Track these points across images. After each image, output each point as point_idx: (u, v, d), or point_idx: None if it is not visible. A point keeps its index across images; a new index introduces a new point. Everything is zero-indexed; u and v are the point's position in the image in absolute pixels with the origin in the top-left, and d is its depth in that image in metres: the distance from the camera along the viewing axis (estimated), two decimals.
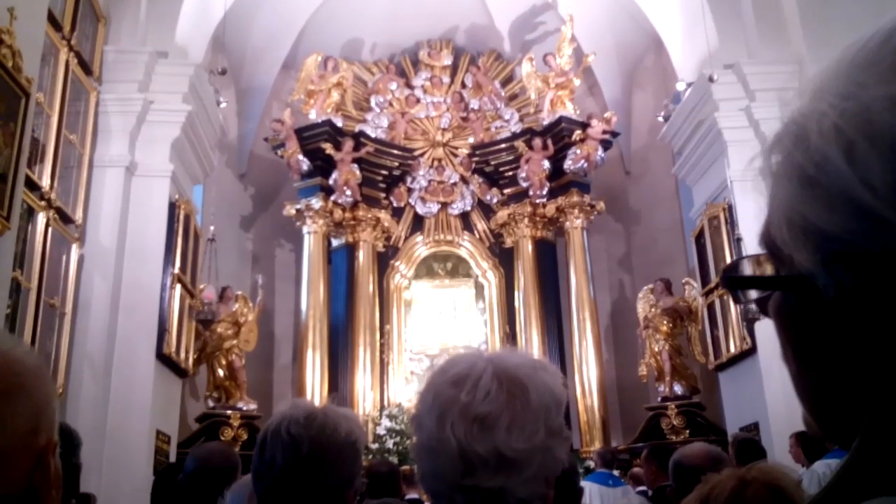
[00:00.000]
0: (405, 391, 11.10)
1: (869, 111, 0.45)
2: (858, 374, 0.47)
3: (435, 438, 1.01)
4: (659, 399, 10.17)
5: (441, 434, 1.01)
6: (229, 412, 9.56)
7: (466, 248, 12.07)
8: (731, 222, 8.96)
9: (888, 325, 0.45)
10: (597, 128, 11.21)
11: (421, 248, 12.05)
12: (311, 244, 11.15)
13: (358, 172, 11.27)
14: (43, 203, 6.56)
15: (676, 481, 2.38)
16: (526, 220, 11.53)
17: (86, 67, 7.64)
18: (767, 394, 8.13)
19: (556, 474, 1.05)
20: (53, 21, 6.66)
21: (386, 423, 10.36)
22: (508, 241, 11.79)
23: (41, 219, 6.52)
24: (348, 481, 1.52)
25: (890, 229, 0.43)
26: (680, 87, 10.12)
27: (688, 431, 9.58)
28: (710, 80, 8.95)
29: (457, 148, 12.31)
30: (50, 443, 0.89)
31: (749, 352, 8.59)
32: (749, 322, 8.25)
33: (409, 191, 12.03)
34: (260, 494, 1.49)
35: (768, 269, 0.52)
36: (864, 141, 0.45)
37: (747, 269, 0.56)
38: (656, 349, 10.23)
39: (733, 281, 0.55)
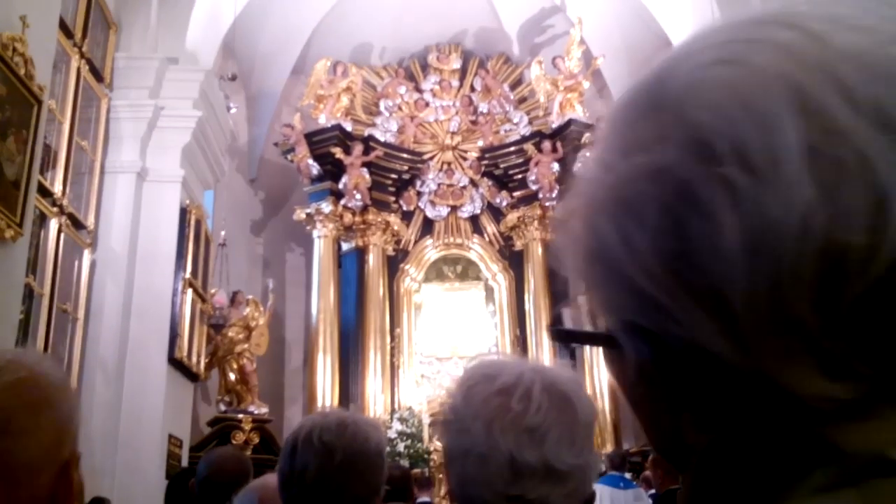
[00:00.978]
0: (416, 394, 11.10)
1: (632, 185, 0.42)
2: (674, 429, 0.46)
3: (484, 445, 1.01)
4: None
5: (490, 440, 1.01)
6: (241, 416, 9.58)
7: (476, 251, 12.07)
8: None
9: (684, 393, 0.44)
10: None
11: (431, 251, 12.06)
12: (321, 248, 11.19)
13: (368, 176, 11.30)
14: (55, 209, 6.60)
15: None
16: (536, 222, 11.52)
17: (97, 74, 7.69)
18: None
19: (590, 492, 1.06)
20: (65, 28, 6.71)
21: (397, 426, 10.36)
22: (518, 244, 11.78)
23: (53, 225, 6.56)
24: (375, 490, 1.53)
25: (663, 312, 0.41)
26: None
27: None
28: None
29: (466, 151, 12.32)
30: (73, 455, 0.90)
31: None
32: None
33: (419, 194, 12.05)
34: (287, 500, 1.49)
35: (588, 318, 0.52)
36: (631, 221, 0.42)
37: (568, 320, 0.56)
38: None
39: (556, 334, 0.55)
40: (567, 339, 0.56)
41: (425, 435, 10.25)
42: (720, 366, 0.41)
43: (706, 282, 0.40)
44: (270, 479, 1.84)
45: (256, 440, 9.35)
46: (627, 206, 0.43)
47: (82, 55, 7.21)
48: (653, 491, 6.72)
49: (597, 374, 10.62)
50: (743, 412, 0.42)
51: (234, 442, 9.19)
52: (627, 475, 9.11)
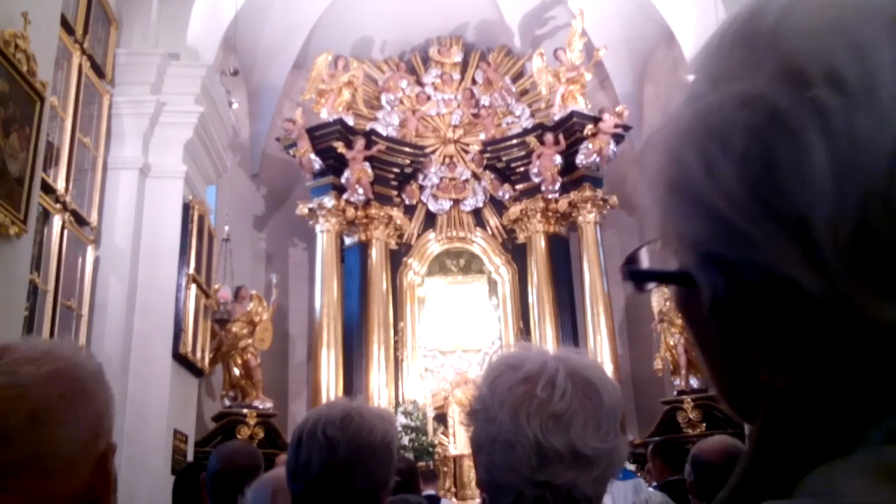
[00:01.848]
0: (419, 388, 11.11)
1: (720, 113, 0.43)
2: (746, 371, 0.46)
3: (511, 432, 1.03)
4: (675, 393, 10.13)
5: (517, 427, 1.02)
6: (245, 411, 9.61)
7: (479, 244, 12.07)
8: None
9: (760, 331, 0.44)
10: (609, 122, 11.17)
11: (433, 245, 12.06)
12: (324, 243, 11.19)
13: (370, 171, 11.29)
14: (58, 206, 6.60)
15: (695, 474, 2.38)
16: (538, 215, 11.51)
17: (98, 71, 7.68)
18: None
19: (617, 475, 1.07)
20: (66, 25, 6.69)
21: (401, 419, 10.38)
22: (521, 237, 11.78)
23: (57, 221, 6.57)
24: (383, 483, 1.52)
25: (745, 239, 0.41)
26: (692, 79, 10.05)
27: (704, 425, 9.54)
28: None
29: (468, 144, 12.30)
30: (109, 447, 0.90)
31: None
32: None
33: (421, 188, 12.04)
34: (295, 495, 1.49)
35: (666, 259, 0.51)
36: (716, 148, 0.43)
37: (645, 259, 0.55)
38: (672, 343, 10.19)
39: (630, 274, 0.55)
40: (640, 279, 0.56)
41: (429, 428, 10.27)
42: (800, 298, 0.41)
43: (792, 207, 0.40)
44: (283, 470, 1.85)
45: (261, 435, 9.38)
46: (713, 134, 0.43)
47: (83, 51, 7.21)
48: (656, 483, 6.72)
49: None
50: (822, 349, 0.42)
51: (238, 437, 9.21)
52: (631, 467, 9.12)
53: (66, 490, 0.84)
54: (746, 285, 0.43)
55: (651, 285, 0.55)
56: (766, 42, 0.42)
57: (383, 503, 1.53)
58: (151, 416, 7.55)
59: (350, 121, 11.56)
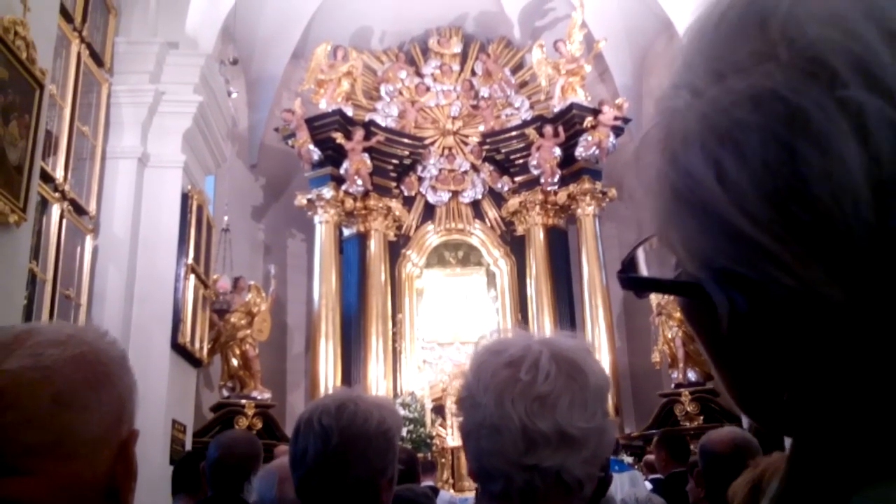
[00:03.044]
0: (418, 379, 11.12)
1: (729, 113, 0.38)
2: (767, 385, 0.42)
3: (496, 416, 1.02)
4: (672, 386, 10.15)
5: (501, 412, 1.01)
6: (244, 401, 9.61)
7: (478, 236, 12.06)
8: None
9: (784, 347, 0.39)
10: (608, 114, 11.15)
11: (432, 236, 12.05)
12: (322, 234, 11.17)
13: (369, 162, 11.26)
14: (57, 195, 6.58)
15: (703, 464, 2.39)
16: (537, 207, 11.50)
17: (97, 59, 7.64)
18: None
19: (608, 456, 1.06)
20: (65, 13, 6.66)
21: (399, 411, 10.38)
22: (520, 229, 11.77)
23: (55, 210, 6.55)
24: (380, 471, 1.52)
25: (768, 257, 0.37)
26: None
27: (702, 418, 9.56)
28: None
29: (467, 136, 12.28)
30: (131, 434, 0.90)
31: None
32: None
33: (420, 180, 12.02)
34: (296, 484, 1.51)
35: (667, 260, 0.46)
36: (728, 154, 0.38)
37: (643, 263, 0.49)
38: (669, 336, 10.21)
39: (628, 282, 0.48)
40: (640, 288, 0.51)
41: (427, 420, 10.28)
42: (830, 315, 0.37)
43: (821, 221, 0.35)
44: None
45: (259, 425, 9.38)
46: (723, 138, 0.38)
47: (82, 40, 7.17)
48: (654, 475, 6.74)
49: (598, 359, 10.62)
50: (853, 366, 0.38)
51: (237, 427, 9.22)
52: (628, 459, 9.15)
53: (88, 475, 0.84)
54: (769, 302, 0.38)
55: (653, 294, 0.50)
56: (779, 27, 0.37)
57: (384, 491, 1.53)
58: (150, 406, 7.53)
59: (349, 111, 11.53)
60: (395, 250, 11.76)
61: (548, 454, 1.00)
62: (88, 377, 0.86)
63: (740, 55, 0.38)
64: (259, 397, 9.82)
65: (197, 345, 8.57)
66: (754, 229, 0.37)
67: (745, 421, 8.60)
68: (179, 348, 8.13)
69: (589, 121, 11.21)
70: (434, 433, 10.26)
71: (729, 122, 0.38)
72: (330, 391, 10.02)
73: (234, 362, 9.84)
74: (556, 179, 11.33)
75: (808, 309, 0.37)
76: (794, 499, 0.43)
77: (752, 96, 0.37)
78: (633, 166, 0.46)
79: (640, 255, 0.49)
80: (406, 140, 11.93)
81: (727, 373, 0.45)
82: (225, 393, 9.88)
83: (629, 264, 0.49)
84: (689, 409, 9.67)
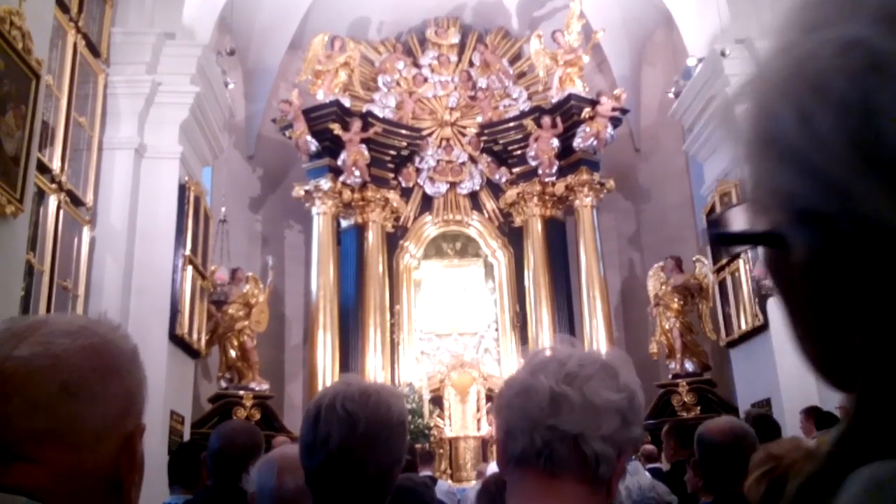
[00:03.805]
0: (416, 371, 11.13)
1: (815, 61, 0.42)
2: (841, 334, 0.45)
3: (527, 381, 1.08)
4: (670, 376, 10.18)
5: (534, 379, 1.07)
6: (242, 392, 9.62)
7: (476, 227, 12.05)
8: (744, 199, 8.91)
9: (858, 289, 0.42)
10: (606, 105, 11.13)
11: (430, 228, 12.04)
12: (320, 225, 11.16)
13: (366, 153, 11.24)
14: (54, 186, 6.57)
15: (700, 453, 2.40)
16: (535, 198, 11.49)
17: (94, 49, 7.61)
18: (780, 370, 8.11)
19: (628, 453, 1.10)
20: (61, 3, 6.63)
21: None
22: (518, 221, 11.77)
23: (52, 202, 6.53)
24: (398, 460, 1.52)
25: (843, 191, 0.40)
26: (691, 62, 10.02)
27: (699, 408, 9.59)
28: (723, 54, 8.86)
29: (465, 127, 12.25)
30: (138, 428, 0.90)
31: (761, 328, 8.57)
32: (761, 298, 8.22)
33: (418, 171, 12.00)
34: (310, 470, 1.48)
35: (756, 221, 0.50)
36: (813, 97, 0.42)
37: (731, 221, 0.55)
38: (667, 327, 10.23)
39: (717, 237, 0.55)
40: (728, 242, 0.55)
41: (426, 411, 10.30)
42: None
43: (894, 154, 0.39)
44: (289, 448, 1.84)
45: (258, 416, 9.39)
46: (809, 83, 0.42)
47: (78, 30, 7.14)
48: (652, 465, 6.77)
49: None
50: None
51: (235, 418, 9.23)
52: None
53: (91, 465, 0.84)
54: (843, 240, 0.41)
55: (739, 248, 0.54)
56: None
57: (395, 479, 1.53)
58: (149, 397, 7.53)
59: (346, 102, 11.49)
60: (392, 242, 11.75)
61: (570, 419, 1.04)
62: (98, 368, 0.86)
63: (829, 11, 0.43)
64: (257, 388, 9.84)
65: (195, 336, 8.58)
66: (833, 164, 0.41)
67: (741, 411, 8.61)
68: (177, 339, 8.14)
69: (587, 111, 11.19)
70: (432, 424, 10.28)
71: (815, 69, 0.42)
72: (328, 382, 10.03)
73: (232, 353, 9.84)
74: (553, 170, 11.32)
75: (884, 247, 0.40)
76: (850, 447, 0.44)
77: (837, 44, 0.41)
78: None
79: (729, 215, 0.54)
80: (404, 131, 11.91)
81: (801, 324, 0.48)
82: (223, 384, 9.89)
83: (716, 222, 0.55)
84: (686, 399, 9.70)
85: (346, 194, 11.28)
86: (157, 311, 7.87)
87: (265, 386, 9.99)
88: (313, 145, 11.18)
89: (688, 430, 4.81)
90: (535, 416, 1.05)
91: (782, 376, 8.07)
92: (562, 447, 1.04)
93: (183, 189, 8.48)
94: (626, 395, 1.08)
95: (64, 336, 0.86)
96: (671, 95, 10.70)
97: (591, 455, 1.04)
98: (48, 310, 6.32)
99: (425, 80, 12.49)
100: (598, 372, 1.08)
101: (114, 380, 0.87)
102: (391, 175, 11.84)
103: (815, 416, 6.25)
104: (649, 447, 7.80)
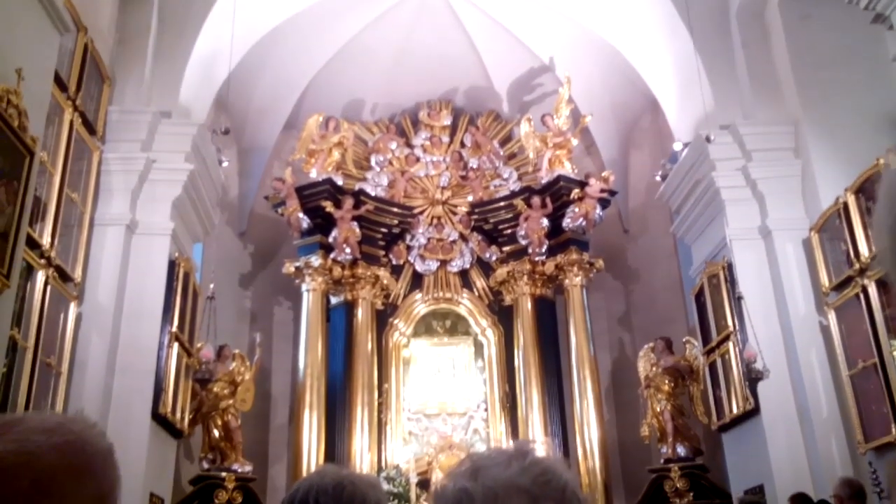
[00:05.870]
0: (403, 452, 10.90)
1: None
2: None
3: (439, 490, 1.10)
4: (662, 461, 9.99)
5: (446, 484, 1.08)
6: (224, 474, 9.35)
7: (466, 305, 12.02)
8: (731, 280, 8.96)
9: None
10: (595, 186, 11.29)
11: (420, 305, 12.00)
12: (309, 302, 11.10)
13: (357, 230, 11.30)
14: (43, 261, 6.54)
15: None
16: (525, 277, 11.51)
17: (90, 127, 7.72)
18: (772, 455, 7.99)
19: None
20: (59, 81, 6.76)
21: (384, 486, 10.14)
22: (508, 299, 11.75)
23: (40, 277, 6.49)
24: None
25: None
26: (677, 147, 10.23)
27: (692, 494, 9.38)
28: (708, 140, 9.06)
29: (456, 206, 12.38)
30: None
31: (752, 412, 8.48)
32: (751, 382, 8.16)
33: (409, 248, 12.04)
34: None
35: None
36: None
37: None
38: (658, 409, 10.10)
39: None
40: None
41: (412, 495, 10.04)
42: None
43: None
44: None
45: (240, 500, 9.12)
46: None
47: (76, 108, 7.25)
48: None
49: (587, 433, 10.49)
50: None
51: (216, 501, 8.97)
52: None
53: None
54: None
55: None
56: None
57: None
58: (127, 479, 7.26)
59: (339, 181, 11.62)
60: (382, 319, 11.69)
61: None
62: (71, 466, 0.85)
63: None
64: (240, 470, 9.57)
65: (178, 415, 8.42)
66: None
67: (734, 498, 8.40)
68: (160, 418, 7.98)
69: (576, 192, 11.34)
70: None
71: None
72: (313, 466, 9.79)
73: (216, 433, 9.60)
74: (543, 250, 11.38)
75: None
76: None
77: None
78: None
79: None
80: (395, 209, 12.01)
81: None
82: (205, 465, 9.62)
83: None
84: (678, 485, 9.49)
85: (337, 271, 11.27)
86: (140, 390, 7.75)
87: (248, 468, 9.73)
88: (305, 222, 11.24)
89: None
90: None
91: (775, 462, 7.95)
92: None
93: (173, 265, 8.47)
94: (537, 474, 1.04)
95: (39, 433, 0.86)
96: (658, 178, 10.88)
97: None
98: (31, 387, 6.20)
99: (417, 159, 12.69)
100: (506, 460, 1.06)
101: (87, 479, 0.86)
102: (382, 252, 11.87)
103: None
104: None
